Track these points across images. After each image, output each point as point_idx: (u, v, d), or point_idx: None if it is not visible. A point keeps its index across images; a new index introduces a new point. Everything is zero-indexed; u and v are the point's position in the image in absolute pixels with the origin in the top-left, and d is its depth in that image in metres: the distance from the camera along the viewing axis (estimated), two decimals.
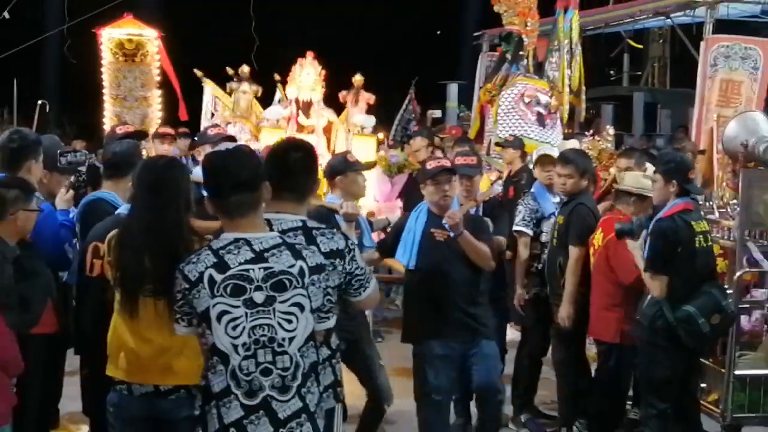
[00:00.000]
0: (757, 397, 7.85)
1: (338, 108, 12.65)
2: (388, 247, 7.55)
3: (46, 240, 6.37)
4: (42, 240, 6.33)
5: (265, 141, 11.00)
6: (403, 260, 7.36)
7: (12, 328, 5.44)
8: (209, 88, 12.92)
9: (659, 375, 7.13)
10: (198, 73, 13.07)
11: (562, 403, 8.54)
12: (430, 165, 7.26)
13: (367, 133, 12.15)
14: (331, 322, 4.56)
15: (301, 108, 11.90)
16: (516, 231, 8.84)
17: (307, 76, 12.05)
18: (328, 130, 11.83)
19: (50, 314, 6.41)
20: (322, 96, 12.11)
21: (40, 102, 12.28)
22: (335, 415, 4.94)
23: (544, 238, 8.79)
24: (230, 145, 4.59)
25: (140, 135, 8.19)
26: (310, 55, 12.27)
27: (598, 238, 7.91)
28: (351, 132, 12.02)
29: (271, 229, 4.52)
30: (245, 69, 12.76)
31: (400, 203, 11.12)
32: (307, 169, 4.92)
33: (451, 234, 6.96)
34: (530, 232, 8.82)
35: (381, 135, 17.34)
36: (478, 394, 7.49)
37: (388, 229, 8.36)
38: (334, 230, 4.89)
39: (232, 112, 12.52)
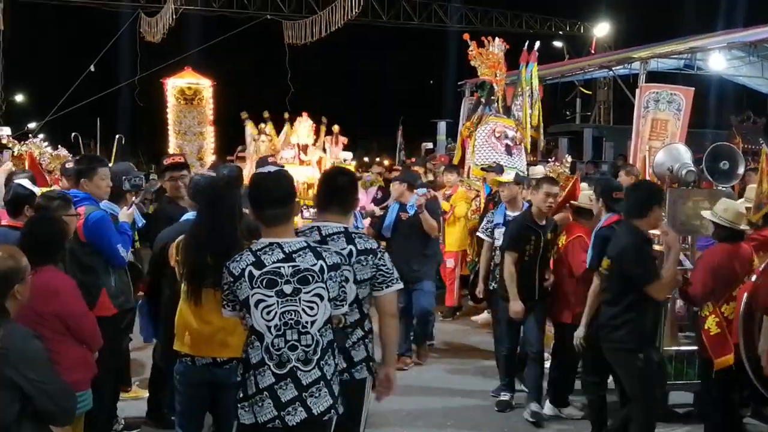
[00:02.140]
0: (681, 368, 7.78)
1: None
2: (377, 228, 9.89)
3: (99, 241, 6.36)
4: (97, 241, 6.34)
5: None
6: (386, 233, 9.64)
7: None
8: (249, 128, 13.71)
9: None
10: (243, 115, 13.81)
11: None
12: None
13: (348, 164, 13.62)
14: (345, 309, 4.48)
15: (301, 149, 13.31)
16: (477, 236, 9.35)
17: (303, 129, 13.45)
18: (319, 163, 13.23)
19: (106, 300, 6.38)
20: (314, 140, 13.52)
21: (117, 136, 12.30)
22: (366, 384, 4.83)
23: (496, 243, 8.72)
24: (272, 168, 4.58)
25: (183, 165, 8.06)
26: (305, 114, 13.62)
27: (562, 240, 7.86)
28: (336, 163, 13.06)
29: (320, 234, 4.64)
30: (264, 126, 13.78)
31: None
32: (350, 189, 4.94)
33: (410, 214, 9.43)
34: (485, 238, 8.97)
35: (387, 162, 17.89)
36: (417, 315, 9.53)
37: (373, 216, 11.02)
38: (369, 236, 4.92)
39: (256, 154, 13.36)
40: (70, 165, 8.20)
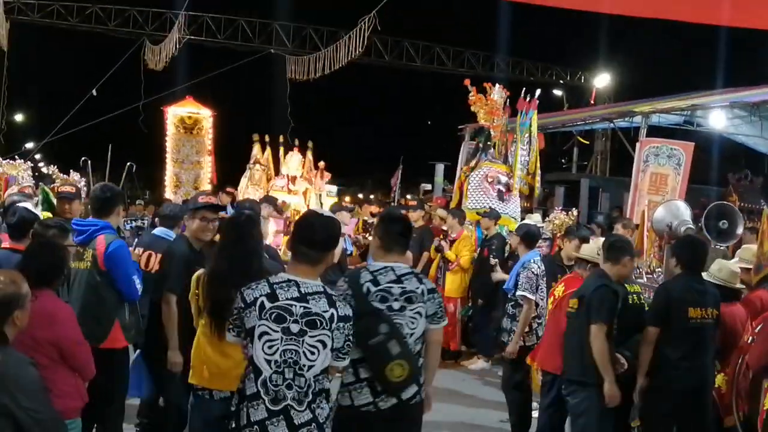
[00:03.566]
0: None
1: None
2: (363, 255, 10.95)
3: (116, 270, 6.22)
4: (113, 269, 6.22)
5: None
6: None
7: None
8: (255, 149, 15.60)
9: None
10: (255, 137, 15.67)
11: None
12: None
13: (332, 195, 15.86)
14: (346, 362, 4.55)
15: (290, 180, 14.84)
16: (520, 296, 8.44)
17: (293, 162, 15.21)
18: (305, 193, 14.99)
19: (119, 332, 6.27)
20: (302, 173, 15.25)
21: (128, 164, 12.40)
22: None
23: (519, 291, 8.44)
24: (329, 213, 4.74)
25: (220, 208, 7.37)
26: (296, 149, 15.44)
27: (559, 290, 7.61)
28: (321, 195, 15.48)
29: (395, 273, 4.98)
30: (260, 158, 15.65)
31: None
32: (408, 232, 5.38)
33: None
34: (532, 297, 8.36)
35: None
36: None
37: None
38: (428, 279, 5.31)
39: (249, 182, 15.14)
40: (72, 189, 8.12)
